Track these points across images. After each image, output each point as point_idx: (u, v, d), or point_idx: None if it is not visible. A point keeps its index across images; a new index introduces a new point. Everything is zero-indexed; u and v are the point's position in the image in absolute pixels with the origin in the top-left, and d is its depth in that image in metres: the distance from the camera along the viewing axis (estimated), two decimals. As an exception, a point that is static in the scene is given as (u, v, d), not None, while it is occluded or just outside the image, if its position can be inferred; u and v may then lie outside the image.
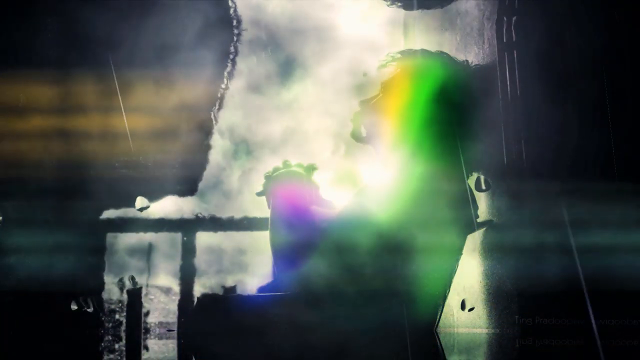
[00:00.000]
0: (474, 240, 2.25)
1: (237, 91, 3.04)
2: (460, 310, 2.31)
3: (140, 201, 2.82)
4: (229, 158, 3.14)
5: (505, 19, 2.10)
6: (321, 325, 2.01)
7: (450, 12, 2.59)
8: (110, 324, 3.08)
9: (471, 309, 2.26)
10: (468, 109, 2.16)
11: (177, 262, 3.21)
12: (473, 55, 2.33)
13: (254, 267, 3.09)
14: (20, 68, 2.78)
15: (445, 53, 2.29)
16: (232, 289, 3.03)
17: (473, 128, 2.15)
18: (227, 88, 2.95)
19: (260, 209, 2.47)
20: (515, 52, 2.07)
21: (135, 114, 2.81)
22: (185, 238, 3.23)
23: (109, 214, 3.05)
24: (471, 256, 2.28)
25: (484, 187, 2.10)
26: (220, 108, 2.97)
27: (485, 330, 2.21)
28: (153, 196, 3.05)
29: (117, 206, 3.05)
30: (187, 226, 3.24)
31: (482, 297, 2.24)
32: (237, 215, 3.22)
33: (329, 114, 3.06)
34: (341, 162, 2.93)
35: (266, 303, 2.11)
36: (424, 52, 2.29)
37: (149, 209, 3.09)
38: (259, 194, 2.32)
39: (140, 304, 3.10)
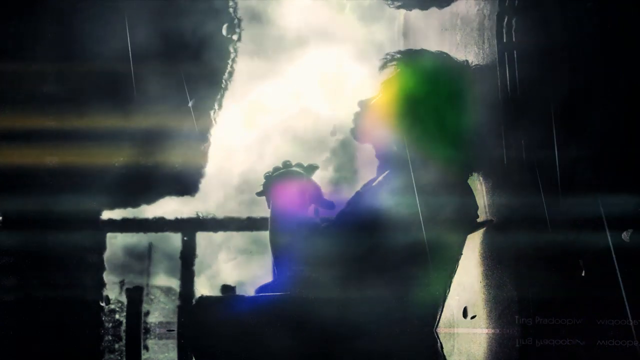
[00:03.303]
0: (474, 240, 2.25)
1: (237, 91, 3.04)
2: (462, 317, 2.32)
3: None
4: (229, 158, 3.14)
5: (505, 19, 2.10)
6: (321, 326, 2.01)
7: (450, 12, 2.59)
8: (110, 324, 3.08)
9: (473, 317, 2.26)
10: (468, 109, 2.16)
11: (177, 262, 3.21)
12: (473, 55, 2.33)
13: (254, 267, 3.09)
14: (20, 68, 2.78)
15: (445, 53, 2.29)
16: (232, 289, 3.03)
17: (473, 128, 2.15)
18: (226, 88, 2.95)
19: (260, 209, 2.47)
20: (515, 52, 2.07)
21: (135, 114, 2.81)
22: (185, 238, 3.23)
23: (109, 214, 3.06)
24: (471, 256, 2.28)
25: None
26: (219, 108, 2.97)
27: (485, 330, 2.21)
28: (153, 196, 3.05)
29: (117, 206, 3.05)
30: (187, 226, 3.24)
31: (482, 297, 2.24)
32: (237, 215, 3.22)
33: (329, 113, 3.06)
34: (341, 161, 2.93)
35: (266, 303, 2.11)
36: (424, 52, 2.29)
37: (148, 209, 3.09)
38: (259, 194, 2.31)
39: (140, 304, 3.11)
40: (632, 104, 1.76)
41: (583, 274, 1.82)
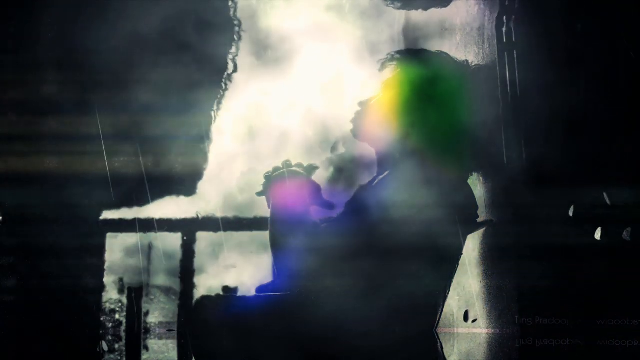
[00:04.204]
0: (474, 240, 2.25)
1: (237, 91, 3.04)
2: (464, 320, 2.32)
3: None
4: (229, 158, 3.14)
5: (505, 19, 2.11)
6: (321, 326, 2.01)
7: (450, 12, 2.59)
8: (110, 324, 3.09)
9: (474, 321, 2.26)
10: (468, 109, 2.16)
11: (177, 262, 3.21)
12: (473, 55, 2.34)
13: (254, 267, 3.09)
14: (19, 68, 2.79)
15: (445, 53, 2.29)
16: (232, 289, 3.03)
17: (473, 127, 2.15)
18: (226, 88, 2.95)
19: (261, 209, 2.47)
20: (515, 52, 2.07)
21: (135, 114, 2.81)
22: (185, 238, 3.23)
23: (109, 214, 3.06)
24: (471, 256, 2.28)
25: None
26: (219, 107, 2.97)
27: (485, 330, 2.21)
28: (153, 196, 3.05)
29: (117, 206, 3.05)
30: (187, 226, 3.24)
31: (482, 297, 2.24)
32: (237, 215, 3.22)
33: (329, 113, 3.06)
34: (341, 161, 2.93)
35: (266, 303, 2.11)
36: (424, 52, 2.29)
37: (149, 209, 3.09)
38: (259, 194, 2.31)
39: (140, 304, 3.11)
40: (633, 102, 1.76)
41: None
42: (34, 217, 2.81)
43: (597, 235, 1.81)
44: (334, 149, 2.59)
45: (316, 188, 2.28)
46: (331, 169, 2.88)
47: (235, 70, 2.96)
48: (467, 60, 2.27)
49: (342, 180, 2.77)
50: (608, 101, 1.80)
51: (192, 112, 2.90)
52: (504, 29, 2.11)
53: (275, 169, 2.29)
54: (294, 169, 2.28)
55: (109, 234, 3.09)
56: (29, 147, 2.79)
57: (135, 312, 3.07)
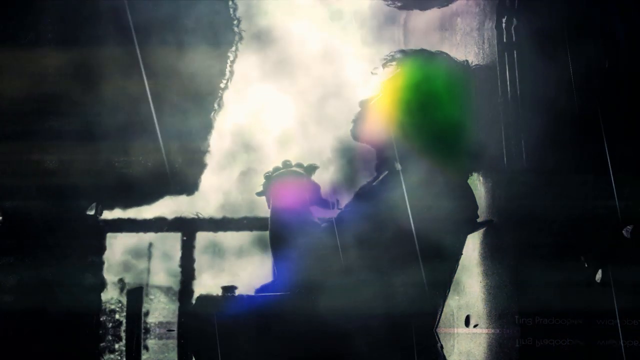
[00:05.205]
0: (474, 240, 2.25)
1: (237, 90, 3.04)
2: (465, 325, 2.32)
3: None
4: (229, 158, 3.14)
5: (505, 19, 2.11)
6: (321, 326, 2.01)
7: (450, 12, 2.59)
8: (110, 324, 3.08)
9: (475, 326, 2.26)
10: (468, 109, 2.16)
11: (177, 262, 3.21)
12: (473, 55, 2.34)
13: (254, 267, 3.09)
14: (18, 67, 2.79)
15: (445, 53, 2.29)
16: (232, 289, 3.03)
17: (473, 128, 2.15)
18: (226, 87, 2.95)
19: (260, 209, 2.47)
20: (515, 52, 2.07)
21: (135, 113, 2.81)
22: (185, 238, 3.23)
23: (109, 214, 3.05)
24: (471, 256, 2.28)
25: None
26: (220, 107, 2.97)
27: (485, 330, 2.21)
28: (153, 196, 3.05)
29: (117, 206, 3.05)
30: (187, 226, 3.24)
31: (482, 297, 2.24)
32: (237, 215, 3.22)
33: (329, 113, 3.06)
34: (341, 162, 2.93)
35: (266, 303, 2.11)
36: (424, 52, 2.29)
37: (149, 209, 3.09)
38: (259, 194, 2.32)
39: (140, 304, 3.11)
40: (633, 102, 1.76)
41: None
42: (34, 217, 2.81)
43: (598, 277, 1.82)
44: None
45: (316, 188, 2.28)
46: (331, 169, 2.88)
47: (235, 69, 2.96)
48: (467, 60, 2.27)
49: (342, 180, 2.77)
50: (608, 101, 1.81)
51: (191, 112, 2.90)
52: (504, 29, 2.11)
53: (275, 169, 2.30)
54: (293, 169, 2.28)
55: (109, 234, 3.08)
56: (28, 147, 2.79)
57: (135, 312, 3.07)
